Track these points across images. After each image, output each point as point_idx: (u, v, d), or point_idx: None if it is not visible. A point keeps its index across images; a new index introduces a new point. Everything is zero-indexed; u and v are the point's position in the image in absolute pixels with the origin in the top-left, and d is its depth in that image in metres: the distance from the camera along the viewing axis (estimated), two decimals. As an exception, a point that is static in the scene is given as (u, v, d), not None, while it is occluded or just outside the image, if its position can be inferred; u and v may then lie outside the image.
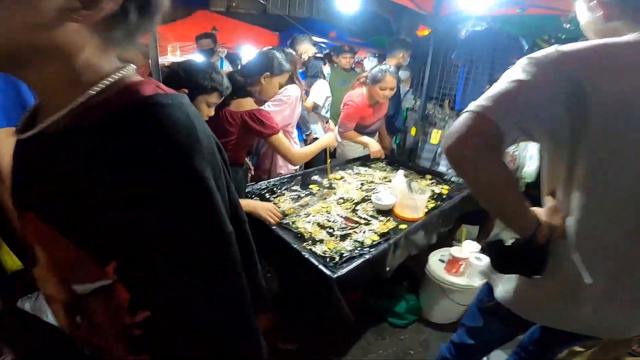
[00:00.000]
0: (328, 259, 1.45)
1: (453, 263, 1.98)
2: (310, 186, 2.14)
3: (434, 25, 3.52)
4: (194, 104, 1.04)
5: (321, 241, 1.58)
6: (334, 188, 2.14)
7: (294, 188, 2.11)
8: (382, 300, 2.19)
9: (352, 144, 2.87)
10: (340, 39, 5.83)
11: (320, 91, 3.43)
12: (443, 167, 3.45)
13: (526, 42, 3.15)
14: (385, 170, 2.57)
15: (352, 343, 1.99)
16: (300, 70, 3.34)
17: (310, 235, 1.62)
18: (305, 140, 3.36)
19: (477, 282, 1.97)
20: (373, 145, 2.67)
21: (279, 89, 2.14)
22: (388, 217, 1.81)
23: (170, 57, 5.55)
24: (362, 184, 2.24)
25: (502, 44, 3.18)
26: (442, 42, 3.40)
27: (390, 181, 2.32)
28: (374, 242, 1.58)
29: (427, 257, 2.16)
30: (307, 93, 3.32)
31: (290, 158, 1.91)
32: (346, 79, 3.76)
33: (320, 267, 1.39)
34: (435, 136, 3.51)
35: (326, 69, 3.87)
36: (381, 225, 1.74)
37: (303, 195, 2.02)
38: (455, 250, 1.96)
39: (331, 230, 1.66)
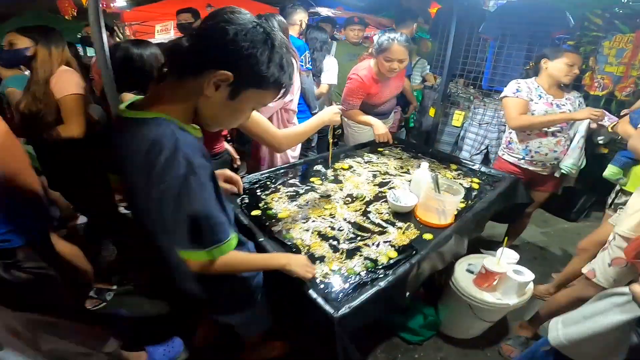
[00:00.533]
0: (330, 288, 1.09)
1: (486, 277, 1.61)
2: (312, 179, 1.75)
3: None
4: None
5: (322, 259, 1.21)
6: (340, 182, 1.75)
7: (291, 182, 1.72)
8: (394, 316, 1.84)
9: (362, 126, 2.44)
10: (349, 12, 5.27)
11: (333, 70, 2.98)
12: (466, 152, 3.04)
13: (574, 17, 2.67)
14: (401, 158, 2.16)
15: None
16: (302, 39, 2.88)
17: (308, 249, 1.26)
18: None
19: (514, 300, 1.60)
20: (378, 127, 2.21)
21: None
22: (408, 222, 1.43)
23: (161, 36, 5.05)
24: (375, 176, 1.85)
25: (543, 18, 2.70)
26: (467, 14, 2.91)
27: (407, 172, 1.92)
28: (391, 261, 1.21)
29: (450, 265, 1.79)
30: (314, 71, 2.88)
31: (270, 141, 1.35)
32: (354, 54, 3.29)
33: (319, 300, 1.03)
34: (457, 118, 3.08)
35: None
36: (399, 234, 1.36)
37: (302, 191, 1.63)
38: (489, 263, 1.58)
39: (335, 243, 1.29)
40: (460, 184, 1.81)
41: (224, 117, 0.84)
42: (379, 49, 2.08)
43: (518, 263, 1.63)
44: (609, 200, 2.03)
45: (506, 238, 1.61)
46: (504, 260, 1.60)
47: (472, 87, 3.17)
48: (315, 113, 2.96)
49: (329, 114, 1.47)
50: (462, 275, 1.72)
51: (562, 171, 2.06)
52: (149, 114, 0.76)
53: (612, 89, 2.69)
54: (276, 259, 1.07)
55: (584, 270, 1.63)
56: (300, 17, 2.73)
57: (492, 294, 1.63)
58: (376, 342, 1.82)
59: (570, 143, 2.07)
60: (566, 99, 2.04)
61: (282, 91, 0.84)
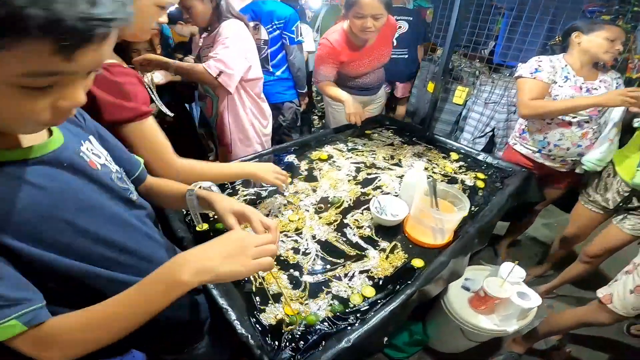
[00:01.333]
0: (280, 347, 0.80)
1: (484, 300, 1.35)
2: (280, 176, 1.42)
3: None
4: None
5: (277, 298, 0.92)
6: (314, 179, 1.43)
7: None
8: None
9: (341, 107, 2.02)
10: None
11: (308, 37, 2.64)
12: (467, 133, 2.69)
13: None
14: (392, 144, 1.82)
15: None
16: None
17: (261, 283, 0.96)
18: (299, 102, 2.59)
19: (513, 326, 1.36)
20: (348, 104, 1.82)
21: (158, 16, 1.02)
22: (394, 242, 1.13)
23: None
24: (358, 170, 1.52)
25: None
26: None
27: (399, 163, 1.60)
28: (365, 303, 0.92)
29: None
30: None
31: (161, 168, 0.96)
32: None
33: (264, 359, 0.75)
34: (459, 95, 2.69)
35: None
36: (381, 259, 1.06)
37: (265, 193, 1.31)
38: (491, 285, 1.31)
39: (297, 274, 0.99)
40: (461, 180, 1.51)
41: None
42: (347, 4, 1.69)
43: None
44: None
45: (517, 262, 1.31)
46: (509, 280, 1.33)
47: (479, 61, 2.75)
48: (303, 93, 2.62)
49: (262, 171, 1.11)
50: (456, 294, 1.46)
51: (584, 167, 1.71)
52: None
53: None
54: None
55: (599, 293, 1.40)
56: None
57: (488, 318, 1.39)
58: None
59: (597, 134, 1.70)
60: (600, 81, 1.66)
61: None
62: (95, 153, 0.66)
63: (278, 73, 2.38)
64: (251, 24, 2.11)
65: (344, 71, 1.98)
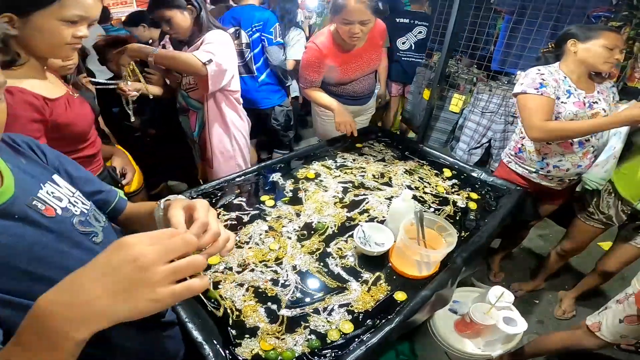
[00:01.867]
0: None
1: (469, 326, 1.33)
2: (263, 197, 1.39)
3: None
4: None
5: (254, 332, 0.90)
6: (299, 201, 1.40)
7: (237, 202, 1.37)
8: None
9: (329, 114, 2.02)
10: None
11: (299, 44, 2.65)
12: (463, 144, 2.65)
13: None
14: (383, 158, 1.79)
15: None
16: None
17: (238, 315, 0.94)
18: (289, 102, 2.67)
19: (498, 350, 1.34)
20: (339, 112, 1.82)
21: (68, 35, 0.96)
22: (378, 273, 1.11)
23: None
24: (346, 190, 1.49)
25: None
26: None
27: (389, 182, 1.58)
28: (345, 337, 0.90)
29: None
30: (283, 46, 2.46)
31: None
32: None
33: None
34: (456, 103, 2.65)
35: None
36: (363, 292, 1.04)
37: (247, 218, 1.28)
38: (477, 311, 1.28)
39: (275, 307, 0.97)
40: (453, 201, 1.48)
41: None
42: (333, 9, 1.67)
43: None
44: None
45: (503, 292, 1.30)
46: (497, 305, 1.31)
47: (477, 68, 2.71)
48: (289, 85, 2.66)
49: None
50: (443, 316, 1.44)
51: (587, 186, 1.66)
52: None
53: None
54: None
55: (588, 321, 1.39)
56: None
57: (473, 342, 1.37)
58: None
59: (596, 151, 1.63)
60: (598, 92, 1.58)
61: None
62: (56, 196, 0.63)
63: (262, 77, 2.41)
64: (231, 30, 2.20)
65: (332, 77, 1.95)
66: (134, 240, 0.39)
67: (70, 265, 0.54)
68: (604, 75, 1.66)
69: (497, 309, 1.32)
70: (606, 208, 1.65)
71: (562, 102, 1.53)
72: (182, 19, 1.63)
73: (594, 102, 1.54)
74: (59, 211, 0.62)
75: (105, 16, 3.28)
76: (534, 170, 1.72)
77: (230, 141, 1.87)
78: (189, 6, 1.62)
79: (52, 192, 0.63)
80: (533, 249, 2.53)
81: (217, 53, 1.56)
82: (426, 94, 2.70)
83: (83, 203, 0.69)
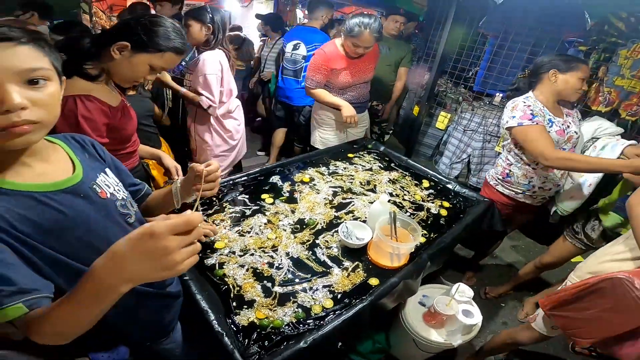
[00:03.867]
0: (249, 341, 0.99)
1: (435, 316, 1.55)
2: (263, 195, 1.61)
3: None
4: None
5: (251, 304, 1.11)
6: (294, 200, 1.62)
7: (240, 198, 1.59)
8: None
9: (331, 127, 2.35)
10: None
11: None
12: (446, 158, 2.89)
13: (592, 18, 2.33)
14: (371, 168, 2.01)
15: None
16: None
17: (238, 290, 1.15)
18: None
19: (458, 340, 1.55)
20: (345, 108, 2.19)
21: (148, 75, 1.24)
22: (357, 262, 1.33)
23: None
24: (335, 194, 1.71)
25: (556, 16, 2.42)
26: (468, 5, 2.63)
27: (374, 189, 1.80)
28: (326, 311, 1.11)
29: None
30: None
31: None
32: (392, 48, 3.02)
33: (236, 355, 0.94)
34: (442, 120, 2.90)
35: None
36: (343, 277, 1.25)
37: (249, 212, 1.50)
38: (440, 303, 1.51)
39: (270, 285, 1.18)
40: (427, 208, 1.70)
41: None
42: (348, 32, 2.04)
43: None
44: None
45: (459, 284, 1.52)
46: (457, 297, 1.53)
47: (464, 87, 2.96)
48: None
49: (166, 158, 1.55)
50: (413, 309, 1.65)
51: (559, 212, 1.87)
52: None
53: (617, 106, 2.34)
54: (87, 290, 0.58)
55: (528, 317, 1.60)
56: (321, 13, 2.93)
57: (438, 332, 1.58)
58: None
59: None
60: (566, 116, 1.74)
61: None
62: (107, 184, 0.85)
63: (303, 83, 2.81)
64: (293, 42, 2.90)
65: (333, 81, 2.24)
66: (162, 231, 0.51)
67: (110, 238, 0.69)
68: (572, 103, 1.85)
69: (457, 302, 1.54)
70: (590, 230, 1.82)
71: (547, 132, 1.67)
72: (197, 32, 1.97)
73: (566, 127, 1.70)
74: (109, 195, 0.83)
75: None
76: (520, 192, 1.86)
77: (211, 136, 2.28)
78: (209, 24, 1.96)
79: (104, 181, 0.84)
80: (505, 259, 2.76)
81: (213, 93, 2.07)
82: (416, 110, 2.94)
83: (123, 192, 0.90)
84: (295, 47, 2.95)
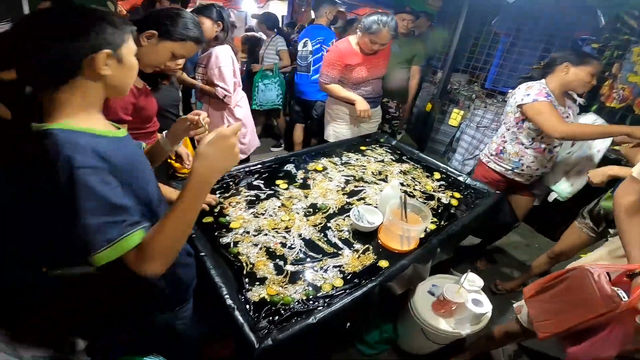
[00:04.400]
0: (260, 316, 1.03)
1: (444, 304, 1.55)
2: (278, 181, 1.66)
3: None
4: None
5: (263, 280, 1.15)
6: (308, 187, 1.66)
7: (255, 183, 1.63)
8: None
9: (343, 120, 2.38)
10: None
11: None
12: (459, 155, 2.89)
13: (605, 16, 2.34)
14: (382, 160, 2.04)
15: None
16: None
17: (251, 268, 1.19)
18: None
19: (467, 329, 1.55)
20: (360, 103, 2.25)
21: (169, 61, 1.36)
22: (367, 245, 1.35)
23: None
24: (347, 182, 1.74)
25: (569, 15, 2.41)
26: (482, 2, 2.64)
27: (385, 179, 1.82)
28: (334, 290, 1.14)
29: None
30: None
31: None
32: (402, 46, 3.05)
33: (246, 328, 0.97)
34: (455, 117, 2.90)
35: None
36: (353, 258, 1.28)
37: (263, 196, 1.54)
38: (449, 290, 1.51)
39: (282, 263, 1.22)
40: (438, 198, 1.72)
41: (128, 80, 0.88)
42: (366, 29, 2.10)
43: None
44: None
45: (469, 271, 1.52)
46: (466, 287, 1.54)
47: (476, 85, 2.96)
48: None
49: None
50: (422, 297, 1.66)
51: (558, 198, 1.90)
52: (49, 127, 0.73)
53: (631, 102, 2.36)
54: (193, 192, 0.78)
55: (515, 305, 1.57)
56: (325, 10, 3.07)
57: (446, 321, 1.58)
58: (332, 350, 1.79)
59: (557, 158, 1.94)
60: (567, 107, 1.88)
61: None
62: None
63: (315, 76, 3.01)
64: (302, 40, 3.09)
65: (348, 76, 2.28)
66: (229, 133, 0.78)
67: (148, 178, 0.93)
68: (578, 94, 1.94)
69: (467, 291, 1.54)
70: (596, 215, 1.82)
71: None
72: (209, 28, 2.08)
73: (566, 117, 1.84)
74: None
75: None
76: (509, 168, 2.00)
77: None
78: (219, 22, 2.09)
79: None
80: (518, 257, 2.73)
81: (227, 83, 2.19)
82: (428, 106, 2.95)
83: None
84: (304, 45, 3.14)
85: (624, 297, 0.92)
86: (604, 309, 0.93)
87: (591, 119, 1.99)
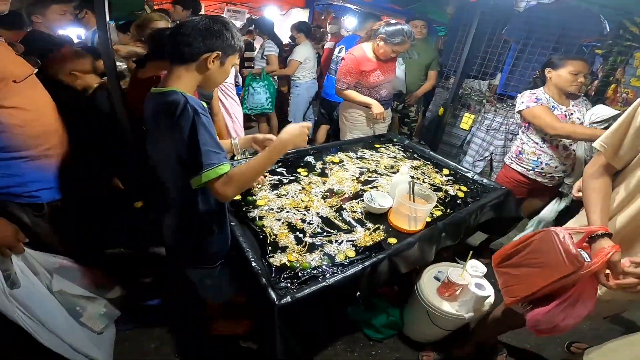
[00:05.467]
0: (280, 278, 1.18)
1: (448, 287, 1.67)
2: (299, 170, 1.82)
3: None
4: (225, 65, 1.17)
5: (284, 249, 1.30)
6: (325, 175, 1.82)
7: (279, 170, 1.80)
8: (360, 311, 1.93)
9: (358, 119, 2.53)
10: (377, 4, 5.18)
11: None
12: (470, 157, 3.01)
13: (609, 23, 2.46)
14: (395, 157, 2.19)
15: (318, 351, 1.79)
16: None
17: (274, 239, 1.35)
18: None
19: (470, 313, 1.66)
20: (376, 106, 2.38)
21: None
22: (378, 225, 1.50)
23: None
24: (362, 173, 1.90)
25: (576, 22, 2.54)
26: (492, 12, 2.79)
27: (396, 172, 1.96)
28: (347, 260, 1.29)
29: (422, 269, 1.85)
30: None
31: None
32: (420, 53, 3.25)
33: (268, 287, 1.13)
34: (466, 120, 3.02)
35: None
36: (365, 235, 1.43)
37: (286, 181, 1.71)
38: (453, 273, 1.64)
39: (301, 236, 1.37)
40: (445, 190, 1.85)
41: (220, 78, 1.18)
42: (390, 38, 2.23)
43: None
44: None
45: (472, 252, 1.64)
46: (470, 271, 1.66)
47: (488, 90, 3.09)
48: None
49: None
50: (428, 282, 1.77)
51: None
52: (165, 89, 1.06)
53: None
54: (274, 150, 1.17)
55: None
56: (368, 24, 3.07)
57: (450, 304, 1.68)
58: (339, 334, 1.90)
59: (575, 156, 2.05)
60: (573, 105, 2.01)
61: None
62: None
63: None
64: (339, 47, 3.37)
65: (363, 82, 2.43)
66: (304, 130, 1.24)
67: None
68: (577, 93, 2.05)
69: (470, 276, 1.66)
70: None
71: None
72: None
73: (571, 114, 1.99)
74: None
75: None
76: (530, 168, 2.12)
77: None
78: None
79: None
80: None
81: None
82: (441, 111, 3.09)
83: None
84: (339, 51, 3.33)
85: (586, 259, 0.98)
86: (570, 268, 0.96)
87: (589, 113, 2.08)
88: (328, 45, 4.21)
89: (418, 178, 1.93)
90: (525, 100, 2.00)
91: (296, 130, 1.20)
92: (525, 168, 2.15)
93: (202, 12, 4.16)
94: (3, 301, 1.15)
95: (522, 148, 2.15)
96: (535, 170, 2.11)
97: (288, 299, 1.08)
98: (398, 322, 1.94)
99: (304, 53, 3.69)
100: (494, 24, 2.84)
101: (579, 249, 0.99)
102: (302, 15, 5.86)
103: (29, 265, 1.25)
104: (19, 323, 1.18)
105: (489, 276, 1.64)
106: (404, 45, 2.26)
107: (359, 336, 1.91)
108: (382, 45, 2.27)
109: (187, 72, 1.09)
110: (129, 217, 1.98)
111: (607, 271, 0.99)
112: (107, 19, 1.47)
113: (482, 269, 1.70)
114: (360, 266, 1.26)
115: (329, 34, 4.46)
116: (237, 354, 1.74)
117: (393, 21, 2.29)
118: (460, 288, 1.65)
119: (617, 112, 1.96)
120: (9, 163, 1.20)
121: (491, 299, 1.67)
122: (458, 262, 2.07)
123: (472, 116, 2.96)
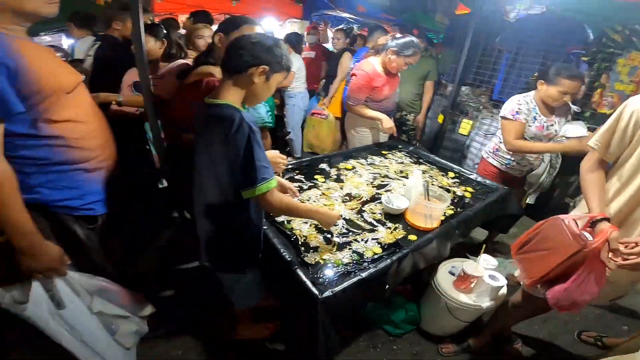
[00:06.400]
0: (318, 274, 1.28)
1: (464, 279, 1.78)
2: (316, 176, 1.94)
3: (477, 3, 3.08)
4: (270, 81, 1.19)
5: (316, 249, 1.41)
6: (341, 181, 1.94)
7: (297, 177, 1.92)
8: (379, 308, 2.02)
9: (366, 130, 2.64)
10: (371, 14, 5.33)
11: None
12: (470, 161, 3.16)
13: (593, 32, 2.67)
14: (402, 162, 2.32)
15: (341, 348, 1.87)
16: None
17: (304, 240, 1.45)
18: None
19: (487, 302, 1.77)
20: (386, 120, 2.46)
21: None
22: (397, 224, 1.61)
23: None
24: (375, 178, 2.02)
25: (561, 31, 2.74)
26: (485, 23, 2.99)
27: (406, 176, 2.09)
28: (375, 256, 1.39)
29: (435, 265, 1.96)
30: None
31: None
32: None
33: (307, 283, 1.22)
34: (464, 127, 3.19)
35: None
36: (387, 233, 1.54)
37: (306, 187, 1.82)
38: (468, 266, 1.75)
39: (329, 236, 1.48)
40: (453, 191, 1.98)
41: (264, 94, 1.22)
42: (402, 51, 2.28)
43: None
44: None
45: (484, 245, 1.76)
46: (483, 264, 1.77)
47: (484, 97, 3.26)
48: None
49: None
50: (444, 276, 1.88)
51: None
52: (219, 102, 1.14)
53: None
54: (315, 214, 1.37)
55: (516, 273, 1.76)
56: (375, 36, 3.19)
57: (467, 296, 1.79)
58: (360, 332, 1.98)
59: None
60: (555, 116, 2.14)
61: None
62: None
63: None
64: (355, 59, 3.36)
65: (373, 96, 2.47)
66: (338, 217, 1.45)
67: None
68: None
69: (484, 268, 1.77)
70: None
71: (528, 126, 2.10)
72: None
73: (550, 125, 2.12)
74: None
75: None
76: (504, 163, 2.32)
77: None
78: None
79: None
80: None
81: None
82: (440, 118, 3.25)
83: None
84: (353, 63, 3.46)
85: (589, 238, 1.15)
86: (576, 246, 1.14)
87: (576, 128, 2.23)
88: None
89: (427, 181, 2.05)
90: (507, 108, 2.13)
91: (333, 216, 1.39)
92: (499, 163, 2.34)
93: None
94: (48, 322, 1.13)
95: (498, 146, 2.33)
96: (507, 165, 2.31)
97: (329, 292, 1.18)
98: (417, 316, 2.02)
99: (296, 64, 3.70)
100: (486, 35, 3.03)
101: (582, 231, 1.17)
102: (297, 27, 6.02)
103: (70, 286, 1.24)
104: (63, 344, 1.17)
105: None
106: (415, 57, 2.30)
107: (379, 332, 1.99)
108: (395, 58, 2.30)
109: (235, 84, 1.14)
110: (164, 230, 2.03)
111: (610, 254, 1.16)
112: (142, 30, 1.58)
113: (494, 262, 1.82)
114: (389, 260, 1.36)
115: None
116: (263, 357, 1.80)
117: (398, 35, 2.41)
118: (475, 280, 1.76)
119: (586, 135, 2.13)
120: (70, 175, 1.19)
121: (504, 290, 1.78)
122: (469, 257, 2.19)
123: (471, 122, 3.12)
